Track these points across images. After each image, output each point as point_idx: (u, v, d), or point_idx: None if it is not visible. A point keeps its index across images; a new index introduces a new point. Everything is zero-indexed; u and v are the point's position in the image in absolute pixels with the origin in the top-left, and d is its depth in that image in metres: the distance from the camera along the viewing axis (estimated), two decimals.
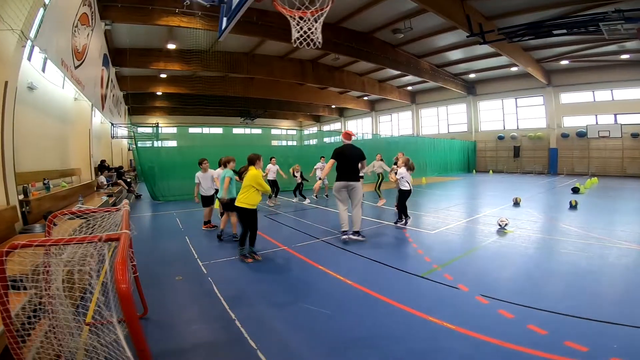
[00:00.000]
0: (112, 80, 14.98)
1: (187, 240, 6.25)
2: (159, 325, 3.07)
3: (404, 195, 6.90)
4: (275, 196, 9.92)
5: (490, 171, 23.72)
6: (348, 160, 5.80)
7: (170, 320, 3.18)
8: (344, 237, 5.73)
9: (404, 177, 6.83)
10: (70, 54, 7.61)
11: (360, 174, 10.57)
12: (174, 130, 27.86)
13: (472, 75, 22.24)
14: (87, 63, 9.34)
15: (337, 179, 5.87)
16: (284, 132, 36.51)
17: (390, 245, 5.56)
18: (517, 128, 22.99)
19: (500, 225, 6.65)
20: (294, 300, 3.50)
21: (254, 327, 2.93)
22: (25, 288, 2.31)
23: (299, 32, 3.24)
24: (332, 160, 5.85)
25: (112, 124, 16.22)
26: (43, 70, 8.14)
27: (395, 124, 31.45)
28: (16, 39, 4.69)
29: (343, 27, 13.68)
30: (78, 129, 11.06)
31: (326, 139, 27.23)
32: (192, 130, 25.62)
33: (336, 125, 37.36)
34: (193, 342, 2.77)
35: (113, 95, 16.25)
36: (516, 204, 9.55)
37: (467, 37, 11.86)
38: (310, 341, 2.71)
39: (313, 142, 29.50)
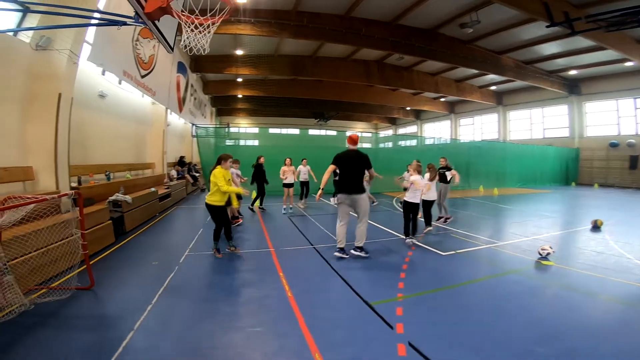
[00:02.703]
0: (191, 85, 17.06)
1: (200, 231, 6.77)
2: (91, 296, 3.58)
3: (409, 206, 6.11)
4: (306, 197, 9.97)
5: (596, 185, 19.50)
6: (347, 168, 5.08)
7: (104, 294, 3.64)
8: (336, 253, 5.09)
9: (414, 184, 6.06)
10: (134, 65, 8.93)
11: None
12: (255, 130, 30.54)
13: (572, 72, 18.52)
14: (157, 71, 10.82)
15: (339, 190, 5.17)
16: (358, 134, 36.33)
17: (376, 263, 4.98)
18: (637, 134, 18.36)
19: (540, 254, 5.45)
20: (219, 301, 3.57)
21: (157, 313, 3.20)
22: None
23: (189, 36, 3.19)
24: (332, 166, 5.21)
25: (193, 124, 18.44)
26: (120, 82, 9.61)
27: (478, 127, 28.32)
28: (66, 57, 5.71)
29: (400, 24, 12.91)
30: (155, 129, 12.89)
31: (402, 143, 26.21)
32: (272, 130, 27.62)
33: (412, 128, 35.50)
34: (96, 312, 3.23)
35: (194, 99, 18.49)
36: (595, 227, 7.69)
37: (547, 27, 9.97)
38: (181, 340, 2.78)
39: (389, 144, 28.69)
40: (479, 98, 23.68)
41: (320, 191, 5.29)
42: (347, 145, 5.32)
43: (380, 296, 3.71)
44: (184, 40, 3.30)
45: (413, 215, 6.12)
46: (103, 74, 8.62)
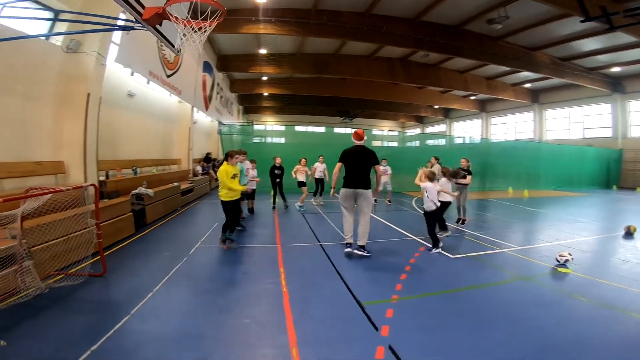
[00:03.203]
0: (218, 84, 17.59)
1: (215, 225, 7.01)
2: (102, 282, 3.89)
3: (429, 216, 5.79)
4: (320, 195, 10.02)
5: (638, 188, 18.07)
6: (356, 163, 5.12)
7: (113, 281, 3.92)
8: (348, 249, 5.13)
9: (427, 191, 5.83)
10: (160, 65, 9.37)
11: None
12: (282, 128, 31.03)
13: (615, 69, 17.17)
14: (182, 71, 11.28)
15: (344, 185, 5.16)
16: (385, 132, 35.89)
17: (380, 263, 4.93)
18: None
19: (558, 260, 5.17)
20: (214, 292, 3.74)
21: (155, 301, 3.39)
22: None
23: (181, 38, 3.32)
24: (339, 164, 5.24)
25: (219, 122, 19.04)
26: (148, 82, 10.06)
27: (511, 126, 26.99)
28: (94, 59, 6.13)
29: (424, 20, 12.58)
30: (181, 126, 13.46)
31: (430, 142, 25.59)
32: (298, 128, 27.94)
33: (441, 127, 34.45)
34: (102, 297, 3.48)
35: (221, 97, 19.06)
36: (628, 234, 7.17)
37: (581, 22, 9.35)
38: (168, 327, 2.95)
39: (416, 143, 28.13)
40: (512, 96, 22.54)
41: (332, 190, 5.55)
42: (353, 141, 5.35)
43: (374, 296, 3.70)
44: (178, 43, 3.47)
45: (432, 222, 5.81)
46: (132, 74, 9.13)
